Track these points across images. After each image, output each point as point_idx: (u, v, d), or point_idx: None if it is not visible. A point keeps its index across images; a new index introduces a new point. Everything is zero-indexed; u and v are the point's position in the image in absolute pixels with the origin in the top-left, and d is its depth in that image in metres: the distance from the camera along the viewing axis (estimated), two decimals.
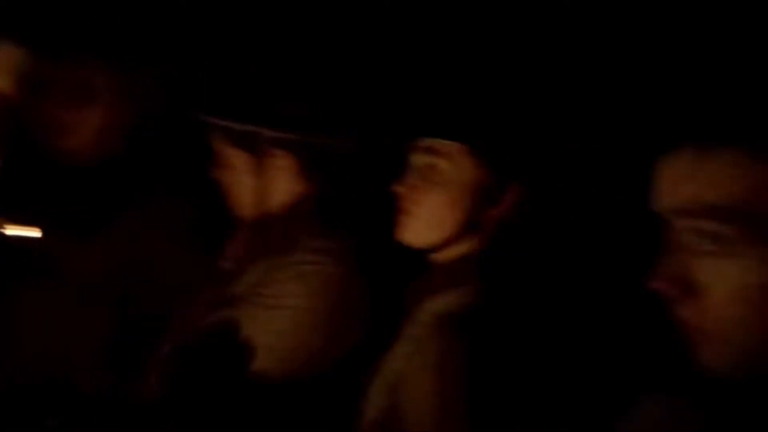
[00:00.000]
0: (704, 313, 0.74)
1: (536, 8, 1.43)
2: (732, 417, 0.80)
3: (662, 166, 0.79)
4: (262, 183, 1.47)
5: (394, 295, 1.39)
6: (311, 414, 1.29)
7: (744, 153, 0.73)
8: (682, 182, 0.76)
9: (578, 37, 1.42)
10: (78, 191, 1.52)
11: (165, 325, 1.48)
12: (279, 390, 1.32)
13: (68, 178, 1.52)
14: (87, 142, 1.55)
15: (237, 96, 1.41)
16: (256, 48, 1.49)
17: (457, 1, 1.48)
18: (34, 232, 1.41)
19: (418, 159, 1.36)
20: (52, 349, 1.49)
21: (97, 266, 1.56)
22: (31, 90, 1.39)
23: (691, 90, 1.18)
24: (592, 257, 1.21)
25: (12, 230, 1.40)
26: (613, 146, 1.34)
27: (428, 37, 1.50)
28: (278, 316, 1.38)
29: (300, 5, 1.52)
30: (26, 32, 1.40)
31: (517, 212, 1.33)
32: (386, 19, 1.49)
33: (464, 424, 1.11)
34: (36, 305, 1.49)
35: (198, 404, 1.30)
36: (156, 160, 1.60)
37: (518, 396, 1.10)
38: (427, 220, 1.35)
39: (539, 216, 1.32)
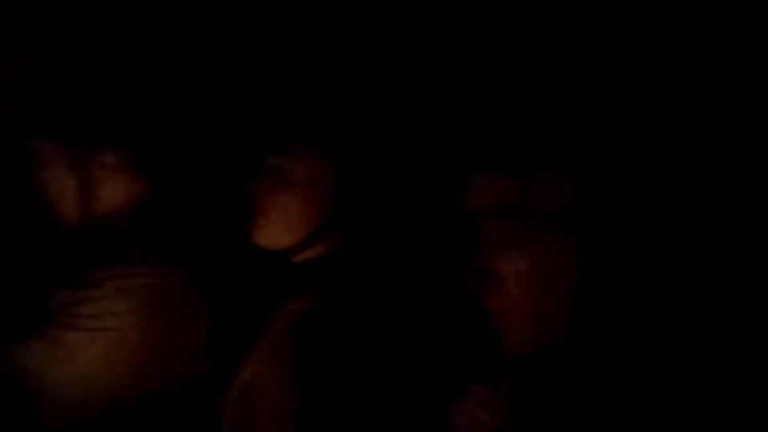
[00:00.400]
0: (505, 303, 0.85)
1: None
2: (537, 386, 0.90)
3: (471, 171, 0.91)
4: (85, 183, 1.32)
5: (257, 300, 1.36)
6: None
7: (526, 167, 0.84)
8: (486, 185, 0.87)
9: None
10: None
11: None
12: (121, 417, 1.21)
13: None
14: None
15: (237, 96, 1.41)
16: (256, 48, 1.49)
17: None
18: None
19: (273, 160, 1.35)
20: None
21: None
22: None
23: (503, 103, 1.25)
24: (438, 255, 1.22)
25: None
26: (455, 148, 1.34)
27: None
28: (99, 339, 1.21)
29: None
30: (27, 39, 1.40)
31: (371, 212, 1.32)
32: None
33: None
34: None
35: None
36: None
37: (355, 395, 1.12)
38: (282, 223, 1.33)
39: (389, 217, 1.33)
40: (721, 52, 1.30)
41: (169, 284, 1.29)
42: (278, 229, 1.34)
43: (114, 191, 1.34)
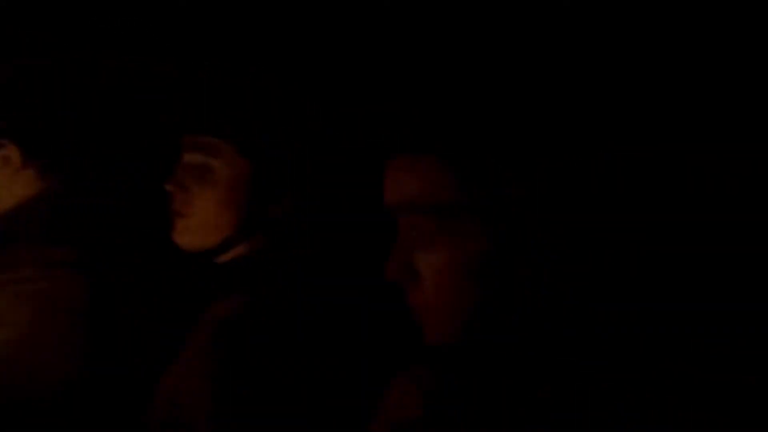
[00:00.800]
0: (422, 296, 0.87)
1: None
2: (460, 378, 0.93)
3: (387, 167, 0.91)
4: None
5: (181, 302, 1.33)
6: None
7: (440, 159, 0.87)
8: (399, 182, 0.88)
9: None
10: None
11: None
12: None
13: None
14: None
15: (236, 96, 1.40)
16: (256, 48, 1.49)
17: None
18: None
19: (189, 157, 1.29)
20: None
21: None
22: None
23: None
24: (362, 251, 1.21)
25: None
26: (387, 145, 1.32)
27: None
28: None
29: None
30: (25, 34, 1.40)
31: (297, 210, 1.29)
32: None
33: None
34: None
35: None
36: None
37: (279, 397, 1.13)
38: (201, 222, 1.28)
39: (318, 214, 1.31)
40: (721, 52, 1.30)
41: (72, 287, 1.26)
42: (198, 229, 1.28)
43: (11, 189, 1.31)
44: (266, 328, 1.19)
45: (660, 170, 1.34)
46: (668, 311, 1.28)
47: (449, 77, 1.11)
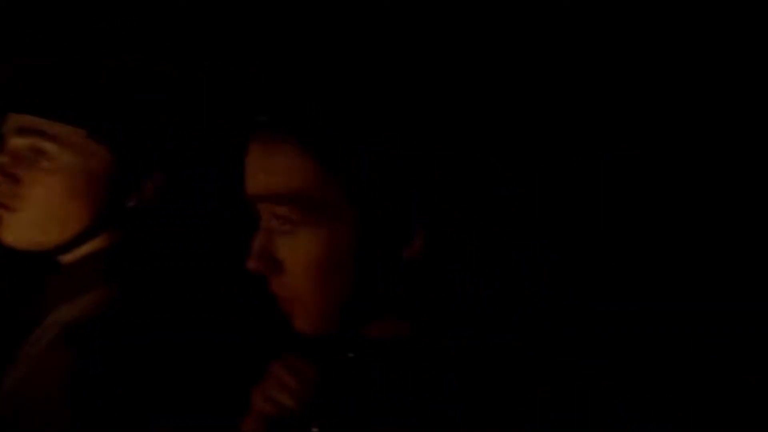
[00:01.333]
0: (287, 286, 0.86)
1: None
2: (336, 367, 0.93)
3: (245, 156, 0.89)
4: None
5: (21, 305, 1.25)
6: None
7: (298, 149, 0.84)
8: (257, 171, 0.87)
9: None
10: None
11: None
12: None
13: None
14: None
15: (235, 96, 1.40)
16: (256, 48, 1.49)
17: None
18: None
19: (16, 142, 1.12)
20: None
21: None
22: None
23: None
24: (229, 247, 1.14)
25: None
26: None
27: None
28: None
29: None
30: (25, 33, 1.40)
31: (159, 202, 1.17)
32: None
33: None
34: None
35: None
36: None
37: (140, 397, 1.08)
38: (36, 217, 1.11)
39: (183, 207, 1.21)
40: (721, 52, 1.30)
41: None
42: (32, 224, 1.12)
43: None
44: (121, 329, 1.10)
45: (660, 170, 1.34)
46: (668, 311, 1.28)
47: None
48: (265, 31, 1.53)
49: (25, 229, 1.12)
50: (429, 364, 0.89)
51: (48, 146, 1.11)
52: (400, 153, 0.86)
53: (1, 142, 1.16)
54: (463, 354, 0.93)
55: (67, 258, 1.17)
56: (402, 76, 1.45)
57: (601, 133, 1.36)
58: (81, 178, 1.11)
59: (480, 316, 1.16)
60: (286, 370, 0.95)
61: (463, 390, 0.89)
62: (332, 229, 0.85)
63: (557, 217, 1.34)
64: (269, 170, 0.86)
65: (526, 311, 1.16)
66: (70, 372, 1.06)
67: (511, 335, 0.97)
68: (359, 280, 0.86)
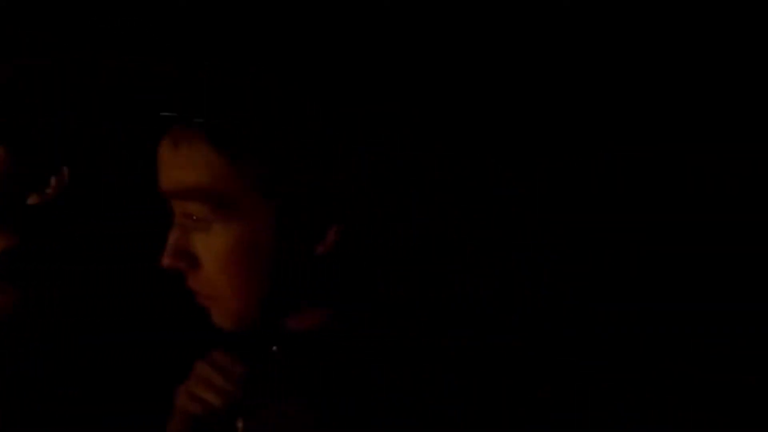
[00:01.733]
0: (204, 282, 0.86)
1: None
2: (261, 363, 0.93)
3: (158, 150, 0.88)
4: None
5: None
6: None
7: (208, 144, 0.83)
8: (168, 167, 0.86)
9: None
10: None
11: None
12: None
13: None
14: None
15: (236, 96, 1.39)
16: (256, 48, 1.49)
17: None
18: None
19: None
20: None
21: None
22: None
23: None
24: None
25: None
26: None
27: None
28: None
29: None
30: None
31: (63, 199, 1.14)
32: None
33: None
34: None
35: None
36: None
37: (65, 398, 1.07)
38: None
39: (85, 201, 1.18)
40: (721, 52, 1.30)
41: None
42: None
43: None
44: (30, 333, 1.08)
45: (660, 170, 1.34)
46: (668, 311, 1.28)
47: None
48: (265, 31, 1.53)
49: None
50: (419, 362, 0.89)
51: None
52: (313, 147, 0.86)
53: None
54: (462, 354, 0.93)
55: None
56: (394, 75, 1.45)
57: (601, 133, 1.36)
58: None
59: (479, 316, 1.16)
60: (211, 367, 0.94)
61: (456, 390, 0.89)
62: (244, 225, 0.84)
63: (557, 217, 1.34)
64: (179, 166, 0.85)
65: (526, 311, 1.17)
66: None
67: (511, 335, 0.97)
68: (274, 275, 0.86)
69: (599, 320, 1.26)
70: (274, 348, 0.93)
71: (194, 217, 0.85)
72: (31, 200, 1.12)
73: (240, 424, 0.94)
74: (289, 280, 0.87)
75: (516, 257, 1.31)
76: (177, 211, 0.87)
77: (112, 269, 1.18)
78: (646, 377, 1.23)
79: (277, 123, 0.86)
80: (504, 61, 1.43)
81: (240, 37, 1.53)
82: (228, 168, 0.84)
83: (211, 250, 0.85)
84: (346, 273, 0.89)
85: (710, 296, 1.27)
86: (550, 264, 1.30)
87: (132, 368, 1.13)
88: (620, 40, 1.36)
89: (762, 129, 1.29)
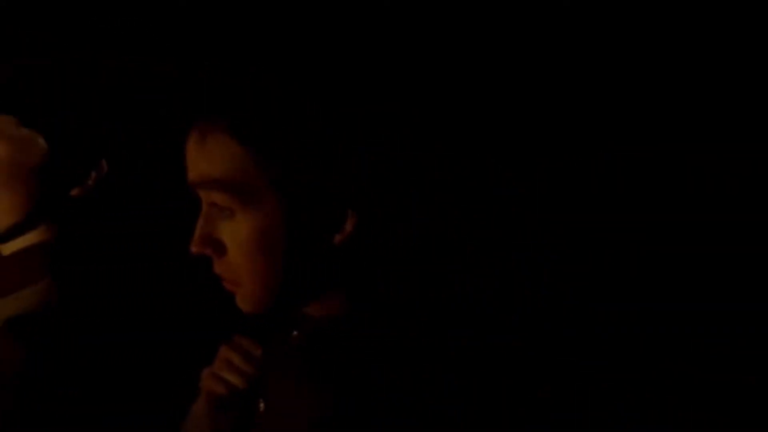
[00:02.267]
0: (229, 267, 0.90)
1: None
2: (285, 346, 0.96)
3: (186, 145, 0.92)
4: None
5: None
6: None
7: (231, 138, 0.88)
8: (195, 159, 0.90)
9: None
10: None
11: None
12: None
13: None
14: None
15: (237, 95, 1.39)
16: (256, 48, 1.49)
17: None
18: None
19: None
20: None
21: None
22: None
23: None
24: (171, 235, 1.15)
25: None
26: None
27: None
28: None
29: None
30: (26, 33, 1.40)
31: (96, 193, 1.16)
32: None
33: None
34: None
35: None
36: None
37: (95, 388, 1.08)
38: None
39: (119, 195, 1.21)
40: (721, 52, 1.31)
41: None
42: None
43: None
44: (67, 322, 1.10)
45: (660, 170, 1.34)
46: (668, 311, 1.28)
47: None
48: (265, 32, 1.53)
49: None
50: (418, 360, 0.91)
51: None
52: (328, 141, 0.90)
53: None
54: (462, 353, 0.93)
55: (6, 249, 1.14)
56: (396, 75, 1.45)
57: (601, 133, 1.36)
58: (13, 169, 1.09)
59: (479, 316, 1.16)
60: (234, 350, 1.00)
61: (458, 389, 0.90)
62: (264, 214, 0.88)
63: (557, 217, 1.34)
64: (205, 158, 0.90)
65: (526, 311, 1.17)
66: (18, 366, 1.06)
67: (510, 335, 0.98)
68: (293, 262, 0.90)
69: (599, 320, 1.26)
70: (294, 333, 0.96)
71: (219, 207, 0.89)
72: (74, 193, 1.14)
73: (261, 405, 0.97)
74: (307, 267, 0.91)
75: (516, 257, 1.31)
76: (204, 201, 0.91)
77: (143, 257, 1.21)
78: (646, 377, 1.23)
79: (295, 118, 0.90)
80: (504, 62, 1.43)
81: (240, 37, 1.53)
82: (250, 160, 0.88)
83: (234, 238, 0.89)
84: (363, 262, 0.92)
85: (710, 296, 1.27)
86: (550, 264, 1.30)
87: (161, 354, 1.15)
88: (620, 40, 1.36)
89: (762, 129, 1.29)
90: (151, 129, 1.23)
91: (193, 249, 0.91)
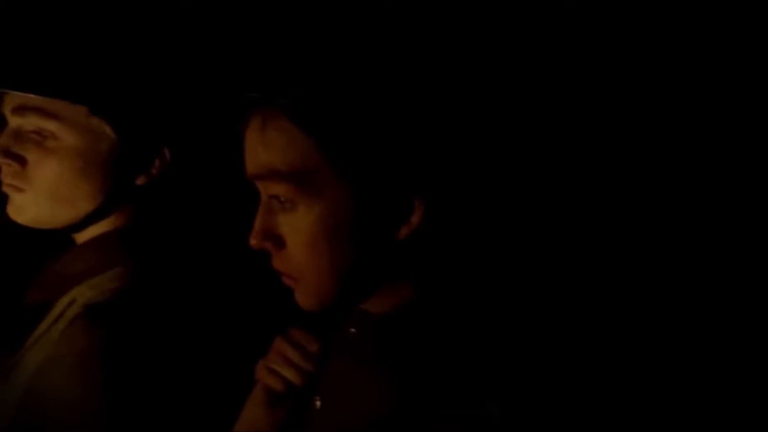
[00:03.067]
0: (289, 262, 0.87)
1: None
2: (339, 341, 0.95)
3: (244, 134, 0.89)
4: None
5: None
6: None
7: (293, 126, 0.84)
8: (254, 149, 0.87)
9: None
10: None
11: None
12: None
13: None
14: None
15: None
16: (255, 48, 1.49)
17: None
18: None
19: (18, 122, 1.10)
20: None
21: None
22: None
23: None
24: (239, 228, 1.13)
25: None
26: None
27: None
28: None
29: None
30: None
31: (169, 180, 1.16)
32: None
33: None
34: None
35: None
36: None
37: (161, 380, 1.08)
38: (44, 197, 1.10)
39: (194, 183, 1.21)
40: (721, 52, 1.31)
41: None
42: (39, 204, 1.11)
43: None
44: (144, 308, 1.10)
45: (660, 170, 1.34)
46: (668, 311, 1.28)
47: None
48: (265, 32, 1.53)
49: (35, 209, 1.12)
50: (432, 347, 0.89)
51: (51, 125, 1.09)
52: (395, 129, 0.86)
53: (1, 123, 1.15)
54: (529, 347, 0.93)
55: (81, 237, 1.17)
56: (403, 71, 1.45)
57: (600, 133, 1.36)
58: (88, 158, 1.11)
59: (548, 308, 1.15)
60: (290, 344, 0.96)
61: (527, 385, 0.89)
62: (328, 205, 0.84)
63: (557, 217, 1.34)
64: (266, 148, 0.86)
65: (526, 311, 1.17)
66: (97, 352, 1.06)
67: (511, 335, 0.97)
68: (357, 255, 0.86)
69: (599, 320, 1.26)
70: (353, 330, 0.93)
71: (281, 199, 0.85)
72: (139, 181, 1.15)
73: (318, 403, 0.95)
74: (371, 260, 0.87)
75: (516, 257, 1.31)
76: (263, 193, 0.88)
77: (206, 248, 1.22)
78: (646, 377, 1.23)
79: (361, 104, 0.85)
80: (505, 63, 1.43)
81: (240, 37, 1.53)
82: (313, 148, 0.84)
83: (296, 231, 0.85)
84: (429, 256, 0.89)
85: (710, 296, 1.28)
86: (549, 264, 1.30)
87: (222, 343, 1.15)
88: (620, 40, 1.36)
89: (762, 129, 1.29)
90: (214, 117, 1.20)
91: (253, 243, 0.87)
